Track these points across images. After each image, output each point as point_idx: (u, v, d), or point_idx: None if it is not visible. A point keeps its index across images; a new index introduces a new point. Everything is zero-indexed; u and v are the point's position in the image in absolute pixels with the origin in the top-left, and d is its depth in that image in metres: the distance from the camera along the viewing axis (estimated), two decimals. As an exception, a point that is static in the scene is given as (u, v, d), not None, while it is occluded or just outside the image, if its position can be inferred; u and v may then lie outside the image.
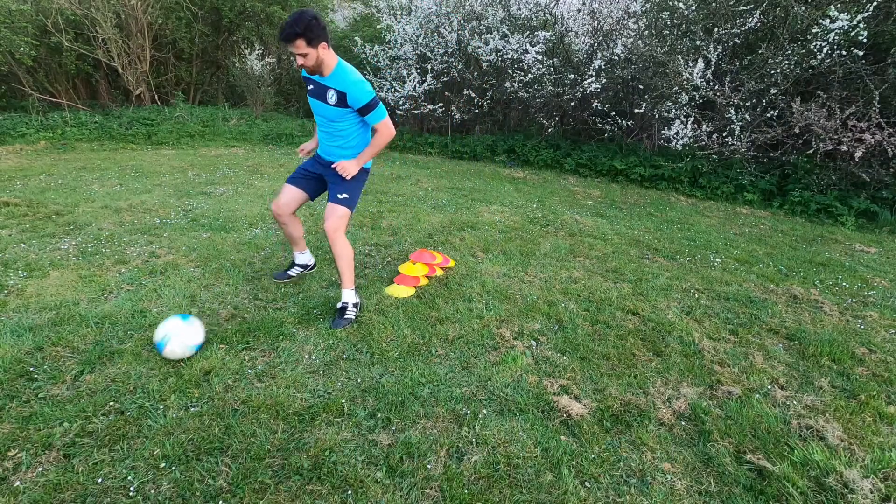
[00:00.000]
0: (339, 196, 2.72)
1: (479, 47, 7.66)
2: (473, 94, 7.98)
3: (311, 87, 2.69)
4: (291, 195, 2.88)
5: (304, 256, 3.20)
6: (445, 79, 8.18)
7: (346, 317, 2.74)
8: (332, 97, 2.60)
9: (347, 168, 2.65)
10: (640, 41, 6.82)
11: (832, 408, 2.22)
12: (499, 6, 7.84)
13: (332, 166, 2.70)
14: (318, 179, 2.90)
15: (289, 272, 3.18)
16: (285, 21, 2.39)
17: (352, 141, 2.74)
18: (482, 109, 8.22)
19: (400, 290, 3.05)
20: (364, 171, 2.82)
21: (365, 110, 2.58)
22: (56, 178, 5.43)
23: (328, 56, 2.50)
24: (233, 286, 3.03)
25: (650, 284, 3.46)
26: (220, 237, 3.84)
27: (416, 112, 8.23)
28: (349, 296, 2.79)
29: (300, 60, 2.44)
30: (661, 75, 6.62)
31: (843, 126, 5.74)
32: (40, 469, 1.65)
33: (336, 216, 2.70)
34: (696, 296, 3.36)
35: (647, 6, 6.88)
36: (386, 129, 2.64)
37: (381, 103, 2.61)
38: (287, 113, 10.87)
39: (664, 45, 6.57)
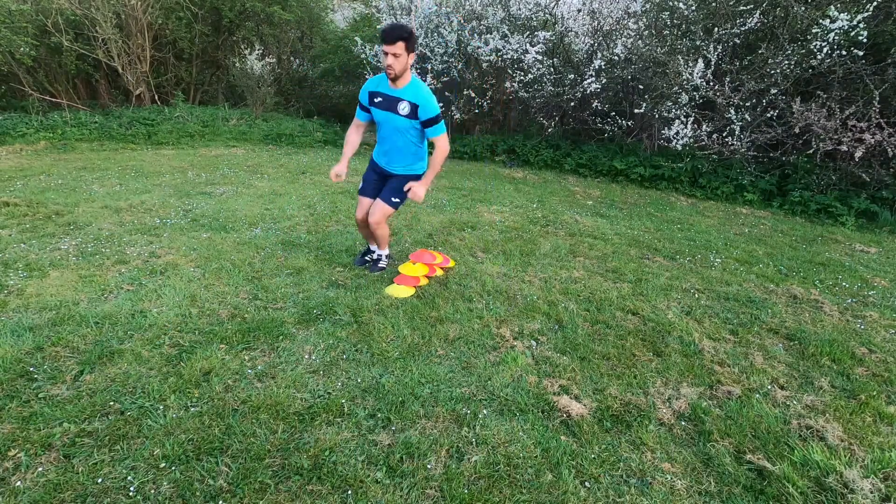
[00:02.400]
0: (392, 199, 3.06)
1: (479, 47, 7.66)
2: (473, 94, 7.98)
3: (378, 99, 2.91)
4: (369, 204, 3.16)
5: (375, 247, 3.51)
6: (445, 79, 8.18)
7: (379, 265, 3.36)
8: (404, 108, 2.83)
9: (419, 194, 2.92)
10: (640, 41, 6.81)
11: (832, 408, 2.22)
12: (499, 6, 7.84)
13: (406, 190, 2.97)
14: (380, 183, 3.18)
15: (365, 258, 3.50)
16: (389, 25, 2.62)
17: (412, 148, 3.01)
18: (482, 109, 8.22)
19: (400, 290, 3.05)
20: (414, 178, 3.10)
21: (429, 123, 2.84)
22: (56, 178, 5.43)
23: (409, 69, 2.76)
24: (233, 286, 3.03)
25: (650, 284, 3.46)
26: (220, 237, 3.84)
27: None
28: (383, 252, 3.36)
29: (391, 60, 2.65)
30: (661, 75, 6.62)
31: (843, 126, 5.74)
32: (40, 469, 1.65)
33: (382, 213, 3.05)
34: (696, 296, 3.36)
35: (647, 6, 6.87)
36: (444, 143, 2.90)
37: (442, 120, 2.85)
38: (287, 113, 10.87)
39: (664, 45, 6.57)
